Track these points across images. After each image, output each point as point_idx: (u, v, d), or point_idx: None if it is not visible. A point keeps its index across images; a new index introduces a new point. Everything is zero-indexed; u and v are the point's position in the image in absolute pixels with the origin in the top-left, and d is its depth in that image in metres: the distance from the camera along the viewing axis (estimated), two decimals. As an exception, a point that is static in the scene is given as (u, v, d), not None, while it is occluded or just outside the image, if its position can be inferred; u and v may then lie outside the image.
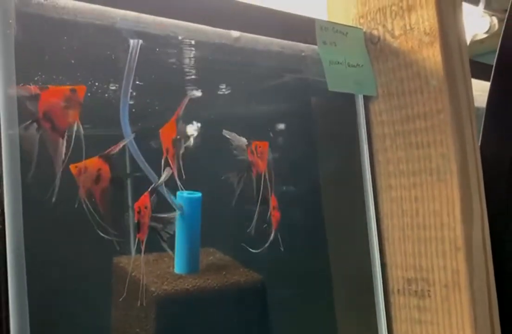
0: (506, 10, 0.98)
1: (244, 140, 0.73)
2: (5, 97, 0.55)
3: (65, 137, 0.57)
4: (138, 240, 0.65)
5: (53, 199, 0.55)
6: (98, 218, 0.59)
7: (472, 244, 0.80)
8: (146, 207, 0.65)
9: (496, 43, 0.97)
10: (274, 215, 0.77)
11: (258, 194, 0.73)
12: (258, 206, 0.73)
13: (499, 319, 0.82)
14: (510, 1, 0.95)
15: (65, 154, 0.57)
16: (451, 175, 0.80)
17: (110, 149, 0.62)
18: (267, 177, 0.73)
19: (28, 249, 0.55)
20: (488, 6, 1.49)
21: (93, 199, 0.59)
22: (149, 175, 0.70)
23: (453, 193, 0.80)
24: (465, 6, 1.41)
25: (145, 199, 0.65)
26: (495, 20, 1.51)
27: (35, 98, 0.56)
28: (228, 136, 0.73)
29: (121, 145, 0.63)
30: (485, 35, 1.53)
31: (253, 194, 0.73)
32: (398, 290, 0.88)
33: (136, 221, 0.64)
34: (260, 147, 0.73)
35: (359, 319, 0.94)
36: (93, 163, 0.59)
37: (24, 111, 0.55)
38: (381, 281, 0.90)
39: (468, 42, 1.42)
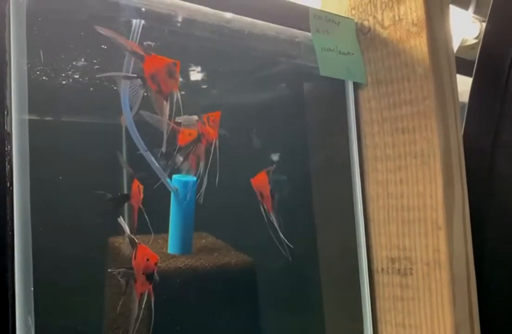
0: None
1: (194, 118, 0.75)
2: (18, 74, 0.59)
3: (168, 100, 0.67)
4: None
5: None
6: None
7: (453, 224, 0.84)
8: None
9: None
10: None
11: (207, 163, 0.75)
12: (206, 173, 0.75)
13: (476, 296, 0.86)
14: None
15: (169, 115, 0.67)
16: (435, 158, 0.84)
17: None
18: (217, 144, 0.75)
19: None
20: (478, 11, 1.52)
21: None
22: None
23: (436, 175, 0.84)
24: (455, 10, 1.45)
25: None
26: (484, 26, 1.55)
27: (140, 58, 0.65)
28: (180, 121, 0.74)
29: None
30: (475, 41, 1.56)
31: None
32: (382, 269, 0.92)
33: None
34: (212, 116, 0.75)
35: (344, 297, 0.97)
36: None
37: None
38: (366, 260, 0.94)
39: (457, 46, 1.47)
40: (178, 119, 0.73)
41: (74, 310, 0.69)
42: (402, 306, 0.89)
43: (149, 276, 0.64)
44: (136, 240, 0.64)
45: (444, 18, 0.89)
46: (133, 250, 0.63)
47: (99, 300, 0.74)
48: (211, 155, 0.74)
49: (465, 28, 1.53)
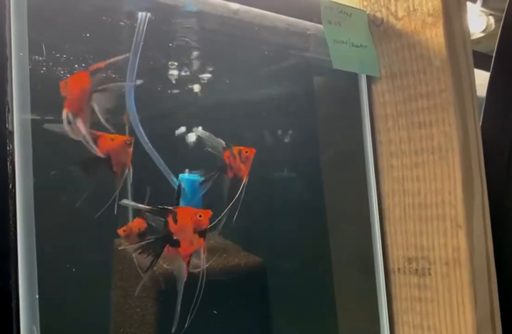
0: (503, 10, 0.99)
1: (221, 142, 0.73)
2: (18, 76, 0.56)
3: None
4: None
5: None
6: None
7: (473, 221, 0.81)
8: None
9: (493, 44, 0.98)
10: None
11: (232, 198, 0.72)
12: (228, 209, 0.72)
13: (498, 295, 0.83)
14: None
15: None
16: (453, 153, 0.81)
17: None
18: (246, 182, 0.73)
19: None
20: (485, 5, 1.50)
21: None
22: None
23: (455, 171, 0.81)
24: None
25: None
26: (492, 19, 1.52)
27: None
28: (201, 135, 0.73)
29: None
30: (482, 35, 1.54)
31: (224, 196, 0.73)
32: (399, 269, 0.89)
33: None
34: (246, 152, 0.73)
35: (359, 298, 0.95)
36: (135, 224, 0.65)
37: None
38: (382, 260, 0.91)
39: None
40: (200, 134, 0.72)
41: (81, 318, 0.66)
42: (420, 307, 0.86)
43: (202, 233, 0.64)
44: (169, 207, 0.63)
45: (461, 7, 0.86)
46: (166, 217, 0.63)
47: (106, 306, 0.72)
48: (239, 191, 0.71)
49: (472, 21, 1.50)
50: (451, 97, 0.82)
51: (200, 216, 0.64)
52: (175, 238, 0.63)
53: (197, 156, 0.80)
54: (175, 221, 0.63)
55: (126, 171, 0.66)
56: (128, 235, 0.63)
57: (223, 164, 0.73)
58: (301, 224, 0.93)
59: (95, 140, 0.63)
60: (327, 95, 0.97)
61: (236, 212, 0.72)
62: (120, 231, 0.62)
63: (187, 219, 0.64)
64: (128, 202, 0.62)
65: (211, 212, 0.65)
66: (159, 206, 0.63)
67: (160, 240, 0.63)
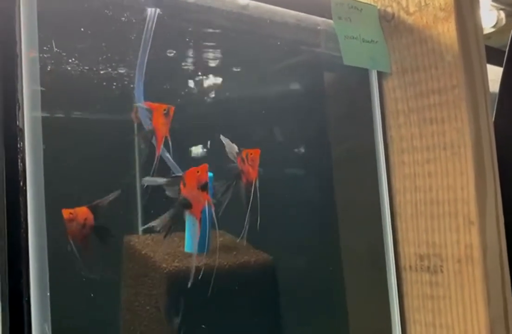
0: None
1: (235, 148, 0.73)
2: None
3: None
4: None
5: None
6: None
7: (486, 218, 0.80)
8: None
9: (504, 39, 0.97)
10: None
11: (248, 203, 0.72)
12: (247, 215, 0.72)
13: (511, 292, 0.82)
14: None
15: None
16: (465, 149, 0.81)
17: (98, 201, 0.64)
18: (257, 185, 0.73)
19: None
20: (496, -1, 1.48)
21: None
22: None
23: (467, 167, 0.80)
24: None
25: None
26: (502, 14, 1.50)
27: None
28: (223, 142, 0.73)
29: (109, 199, 0.65)
30: (492, 30, 1.52)
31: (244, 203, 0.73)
32: (410, 266, 0.89)
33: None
34: (251, 154, 0.73)
35: (371, 295, 0.94)
36: (82, 212, 0.63)
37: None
38: (393, 257, 0.90)
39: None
40: (223, 140, 0.73)
41: (92, 315, 0.66)
42: (432, 304, 0.85)
43: (203, 187, 0.67)
44: (180, 174, 0.67)
45: (473, 1, 0.85)
46: (178, 184, 0.66)
47: (117, 304, 0.72)
48: (251, 196, 0.71)
49: (482, 16, 1.48)
50: (463, 93, 0.81)
51: (198, 172, 0.66)
52: (187, 200, 0.66)
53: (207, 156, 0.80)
54: (184, 184, 0.66)
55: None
56: (71, 220, 0.60)
57: (238, 170, 0.73)
58: (312, 221, 0.93)
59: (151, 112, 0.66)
60: (337, 91, 0.96)
61: (258, 217, 0.72)
62: (65, 212, 0.59)
63: (191, 179, 0.66)
64: (149, 179, 0.66)
65: (207, 165, 0.67)
66: (173, 175, 0.67)
67: (178, 206, 0.66)
